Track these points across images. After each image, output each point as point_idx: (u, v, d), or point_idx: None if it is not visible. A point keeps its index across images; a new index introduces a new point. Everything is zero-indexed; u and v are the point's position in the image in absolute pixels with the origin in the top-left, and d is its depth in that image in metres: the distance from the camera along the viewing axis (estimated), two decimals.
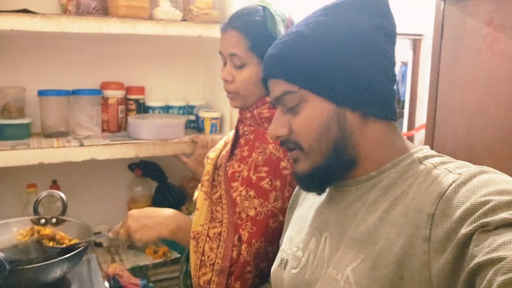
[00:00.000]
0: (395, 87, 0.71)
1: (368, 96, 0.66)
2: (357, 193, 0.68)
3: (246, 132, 1.09)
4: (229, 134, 1.21)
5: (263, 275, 0.99)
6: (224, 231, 0.97)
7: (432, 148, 0.69)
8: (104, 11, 1.44)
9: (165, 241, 1.68)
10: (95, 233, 1.68)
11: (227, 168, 1.07)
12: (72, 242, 1.08)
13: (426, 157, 0.65)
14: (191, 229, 0.99)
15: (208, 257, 0.95)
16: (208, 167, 1.10)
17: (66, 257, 0.99)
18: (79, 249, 1.02)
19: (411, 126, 4.64)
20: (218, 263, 0.94)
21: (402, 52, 4.53)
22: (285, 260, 0.76)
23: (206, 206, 1.02)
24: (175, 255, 1.62)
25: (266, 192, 0.97)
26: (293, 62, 0.66)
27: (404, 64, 4.85)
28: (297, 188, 0.90)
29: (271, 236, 0.96)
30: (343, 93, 0.65)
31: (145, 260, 1.59)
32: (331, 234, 0.69)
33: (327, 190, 0.74)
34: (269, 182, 0.97)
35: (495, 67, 1.87)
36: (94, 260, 1.27)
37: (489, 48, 1.93)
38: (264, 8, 1.03)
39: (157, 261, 1.59)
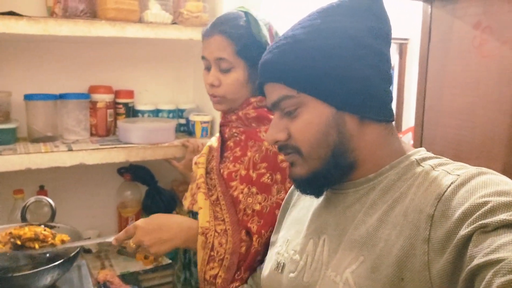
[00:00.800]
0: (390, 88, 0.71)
1: (365, 99, 0.66)
2: (356, 195, 0.68)
3: (236, 134, 1.10)
4: (211, 140, 1.23)
5: None
6: (228, 229, 0.99)
7: None
8: (92, 14, 1.42)
9: None
10: (84, 239, 1.65)
11: (221, 170, 1.07)
12: (58, 238, 1.04)
13: (424, 159, 0.66)
14: (199, 225, 1.00)
15: (218, 252, 0.97)
16: (201, 170, 1.11)
17: (56, 264, 0.98)
18: (70, 256, 1.00)
19: (398, 129, 4.68)
20: (227, 258, 0.96)
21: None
22: (282, 264, 0.76)
23: (208, 205, 1.04)
24: (166, 260, 1.60)
25: (268, 187, 1.00)
26: (290, 66, 0.66)
27: (391, 68, 4.93)
28: (290, 189, 0.90)
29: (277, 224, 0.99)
30: (341, 96, 0.65)
31: (135, 266, 1.57)
32: (330, 236, 0.69)
33: (325, 192, 0.74)
34: (269, 177, 1.00)
35: (483, 69, 1.90)
36: (85, 266, 1.24)
37: (477, 50, 1.95)
38: (246, 13, 1.06)
39: (148, 267, 1.57)
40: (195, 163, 1.16)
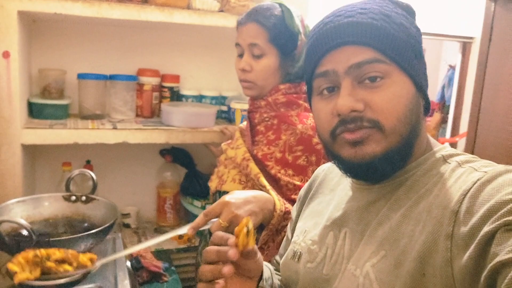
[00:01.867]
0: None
1: (427, 89, 0.68)
2: (381, 191, 0.67)
3: (267, 119, 1.13)
4: (238, 128, 1.25)
5: None
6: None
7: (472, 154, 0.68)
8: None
9: None
10: (124, 214, 1.74)
11: (255, 152, 1.11)
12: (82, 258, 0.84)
13: (451, 155, 0.65)
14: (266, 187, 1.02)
15: (287, 207, 0.99)
16: (243, 149, 1.13)
17: (90, 233, 1.03)
18: (103, 227, 1.06)
19: (455, 132, 4.46)
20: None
21: (450, 55, 4.38)
22: (298, 253, 0.76)
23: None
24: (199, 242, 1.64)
25: (305, 168, 1.04)
26: (385, 34, 0.63)
27: (452, 67, 4.68)
28: (311, 179, 0.88)
29: None
30: (422, 79, 0.67)
31: (170, 244, 1.63)
32: (352, 230, 0.69)
33: (349, 188, 0.74)
34: (305, 159, 1.05)
35: None
36: (120, 239, 1.31)
37: None
38: (280, 4, 1.11)
39: (181, 246, 1.63)
40: (225, 149, 1.19)
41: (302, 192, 0.89)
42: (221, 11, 1.52)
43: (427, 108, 0.68)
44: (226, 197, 0.89)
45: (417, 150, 0.67)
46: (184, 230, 0.83)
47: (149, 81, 1.66)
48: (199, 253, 1.23)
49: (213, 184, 1.19)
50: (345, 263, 0.67)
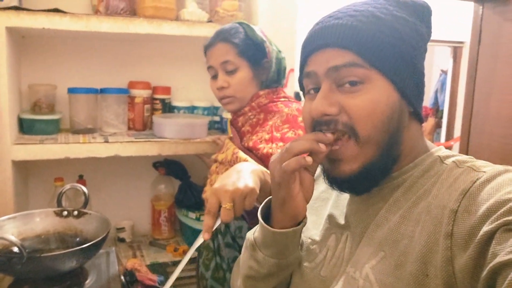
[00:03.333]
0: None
1: (420, 94, 0.66)
2: (380, 194, 0.67)
3: (252, 116, 1.20)
4: (227, 137, 1.34)
5: None
6: None
7: None
8: (132, 12, 1.49)
9: (187, 240, 1.71)
10: (118, 229, 1.73)
11: (244, 143, 1.17)
12: None
13: (448, 156, 0.64)
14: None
15: None
16: (232, 148, 1.18)
17: (81, 248, 1.02)
18: (95, 241, 1.04)
19: (449, 136, 4.48)
20: None
21: (442, 60, 4.41)
22: None
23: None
24: (195, 254, 1.62)
25: (294, 139, 1.05)
26: (368, 38, 0.62)
27: (444, 72, 4.72)
28: None
29: None
30: (408, 84, 0.64)
31: (165, 257, 1.61)
32: (352, 233, 0.68)
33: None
34: (293, 133, 1.10)
35: None
36: (113, 253, 1.29)
37: None
38: (240, 23, 1.23)
39: (177, 259, 1.61)
40: (215, 161, 1.22)
41: None
42: (210, 21, 1.52)
43: (418, 115, 0.67)
44: (213, 188, 0.84)
45: (407, 155, 0.66)
46: (200, 239, 0.77)
47: (140, 94, 1.66)
48: (201, 265, 1.23)
49: (208, 194, 1.18)
50: (344, 266, 0.66)
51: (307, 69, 0.67)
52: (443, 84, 4.94)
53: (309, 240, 0.75)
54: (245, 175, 0.82)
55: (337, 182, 0.66)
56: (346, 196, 0.73)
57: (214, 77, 1.23)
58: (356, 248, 0.66)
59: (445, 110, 4.42)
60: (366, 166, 0.63)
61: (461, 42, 4.07)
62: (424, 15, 0.67)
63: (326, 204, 0.77)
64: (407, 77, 0.63)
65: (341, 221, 0.71)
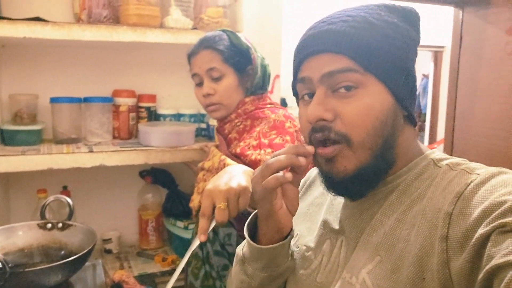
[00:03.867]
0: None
1: (412, 98, 0.66)
2: (374, 198, 0.67)
3: (238, 123, 1.20)
4: (214, 145, 1.34)
5: None
6: None
7: None
8: (115, 20, 1.47)
9: (175, 249, 1.68)
10: (105, 240, 1.69)
11: (231, 150, 1.15)
12: None
13: (441, 159, 0.64)
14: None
15: None
16: (218, 154, 1.17)
17: (67, 261, 0.99)
18: (80, 254, 1.02)
19: (432, 139, 4.54)
20: None
21: (423, 64, 4.48)
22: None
23: None
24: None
25: (282, 145, 1.09)
26: (362, 43, 0.62)
27: (425, 76, 4.79)
28: (302, 180, 0.86)
29: None
30: (403, 88, 0.64)
31: (153, 267, 1.59)
32: (347, 238, 0.68)
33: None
34: (280, 139, 1.10)
35: None
36: (100, 265, 1.26)
37: (510, 57, 1.87)
38: (224, 30, 1.23)
39: (166, 269, 1.58)
40: (201, 169, 1.19)
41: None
42: (195, 28, 1.51)
43: (412, 119, 0.67)
44: (206, 189, 0.81)
45: (402, 159, 0.66)
46: (196, 241, 0.75)
47: (125, 102, 1.64)
48: (189, 274, 1.21)
49: (195, 202, 1.17)
50: (339, 272, 0.66)
51: (301, 74, 0.67)
52: (424, 88, 5.01)
53: (304, 247, 0.74)
54: (237, 175, 0.81)
55: (333, 184, 0.66)
56: (340, 201, 0.73)
57: (199, 84, 1.22)
58: (351, 253, 0.66)
59: (428, 114, 4.48)
60: (360, 169, 0.63)
61: (442, 47, 4.15)
62: (413, 20, 0.68)
63: (320, 209, 0.77)
64: (400, 81, 0.63)
65: (336, 226, 0.71)
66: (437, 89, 4.37)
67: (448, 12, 2.30)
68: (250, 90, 1.23)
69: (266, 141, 1.10)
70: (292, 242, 0.76)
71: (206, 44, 1.20)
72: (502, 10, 1.91)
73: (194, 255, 1.24)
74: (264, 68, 1.24)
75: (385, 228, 0.62)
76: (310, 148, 0.64)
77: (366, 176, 0.63)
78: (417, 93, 4.76)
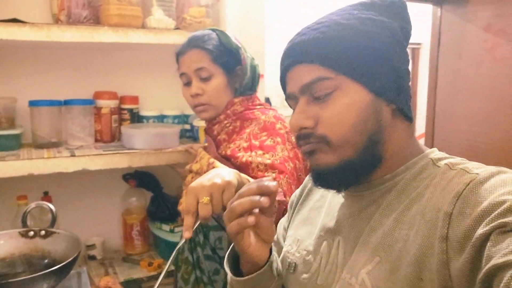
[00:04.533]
0: None
1: (400, 92, 0.65)
2: (371, 197, 0.67)
3: (228, 124, 1.18)
4: (201, 147, 1.32)
5: None
6: None
7: None
8: (95, 20, 1.43)
9: (161, 253, 1.65)
10: (88, 246, 1.65)
11: (221, 152, 1.14)
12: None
13: (440, 159, 0.64)
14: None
15: None
16: (207, 157, 1.14)
17: (52, 270, 0.96)
18: (66, 262, 0.99)
19: None
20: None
21: None
22: (293, 264, 0.75)
23: None
24: (171, 267, 1.57)
25: (273, 146, 1.07)
26: (330, 47, 0.63)
27: None
28: (302, 185, 0.87)
29: (291, 176, 1.05)
30: (381, 83, 0.64)
31: (139, 272, 1.56)
32: (345, 238, 0.68)
33: (340, 195, 0.72)
34: (271, 141, 1.09)
35: (497, 72, 1.85)
36: (85, 273, 1.23)
37: (489, 53, 1.91)
38: (213, 29, 1.21)
39: (152, 273, 1.56)
40: (190, 171, 1.17)
41: (293, 197, 0.87)
42: (178, 28, 1.49)
43: (405, 114, 0.66)
44: (190, 186, 0.80)
45: (396, 156, 0.66)
46: (182, 239, 0.75)
47: (107, 104, 1.60)
48: (179, 279, 1.19)
49: (184, 205, 1.14)
50: (339, 272, 0.66)
51: (287, 90, 0.70)
52: None
53: (305, 252, 0.74)
54: (221, 172, 0.81)
55: (315, 176, 0.68)
56: (338, 201, 0.73)
57: (187, 84, 1.20)
58: (350, 253, 0.65)
59: None
60: (342, 163, 0.64)
61: (419, 44, 4.21)
62: (397, 11, 0.67)
63: (319, 212, 0.77)
64: (380, 75, 0.63)
65: (333, 226, 0.71)
66: (415, 85, 4.44)
67: (425, 10, 2.33)
68: (239, 90, 1.21)
69: (257, 143, 1.09)
70: (293, 249, 0.77)
71: (194, 43, 1.17)
72: (480, 8, 1.94)
73: (184, 260, 1.21)
74: (253, 68, 1.22)
75: (384, 228, 0.62)
76: (273, 186, 0.65)
77: (349, 170, 0.64)
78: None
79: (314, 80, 0.64)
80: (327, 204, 0.76)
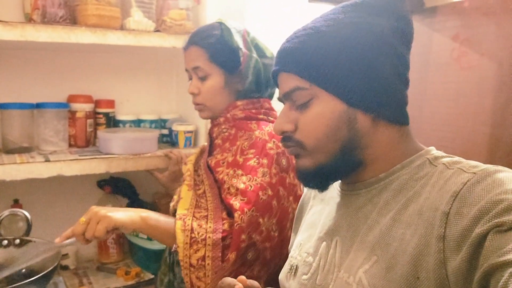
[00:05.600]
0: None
1: (381, 99, 0.64)
2: (367, 196, 0.67)
3: (224, 130, 1.13)
4: (204, 144, 1.26)
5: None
6: (210, 214, 0.98)
7: None
8: (72, 20, 1.38)
9: (138, 262, 1.60)
10: (62, 255, 1.58)
11: (209, 161, 1.10)
12: None
13: (437, 158, 0.65)
14: (177, 212, 1.00)
15: (198, 233, 0.94)
16: (189, 165, 1.14)
17: (31, 280, 0.91)
18: (46, 272, 0.94)
19: None
20: (209, 237, 0.93)
21: None
22: (294, 267, 0.75)
23: (191, 195, 1.05)
24: (149, 276, 1.54)
25: (254, 169, 1.00)
26: (306, 57, 0.65)
27: None
28: (302, 197, 0.89)
29: (262, 207, 0.96)
30: (357, 93, 0.63)
31: (116, 282, 1.50)
32: (342, 238, 0.68)
33: (337, 195, 0.73)
34: (256, 161, 1.01)
35: (462, 81, 1.92)
36: (62, 283, 1.18)
37: (456, 62, 1.98)
38: (220, 23, 1.13)
39: (129, 283, 1.51)
40: (184, 164, 1.18)
41: (298, 207, 0.88)
42: (157, 31, 1.46)
43: (393, 119, 0.66)
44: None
45: (384, 158, 0.66)
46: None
47: (82, 108, 1.55)
48: (157, 279, 1.18)
49: (172, 204, 1.12)
50: (336, 271, 0.65)
51: (278, 94, 0.73)
52: None
53: (305, 254, 0.74)
54: (120, 211, 0.95)
55: (300, 177, 0.72)
56: (336, 202, 0.73)
57: (191, 80, 1.15)
58: (348, 252, 0.65)
59: None
60: (319, 167, 0.67)
61: None
62: (391, 8, 0.66)
63: (321, 215, 0.77)
64: (355, 85, 0.63)
65: (331, 227, 0.71)
66: None
67: None
68: (242, 93, 1.12)
69: (241, 160, 1.03)
70: (296, 253, 0.77)
71: (193, 39, 1.12)
72: (448, 18, 2.02)
73: (164, 259, 1.22)
74: (257, 71, 1.10)
75: (381, 227, 0.62)
76: None
77: (325, 174, 0.68)
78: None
79: (292, 90, 0.67)
80: (327, 207, 0.76)
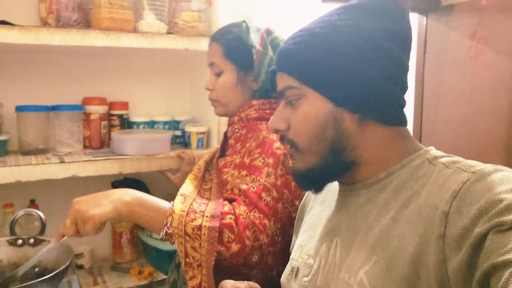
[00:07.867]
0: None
1: (367, 99, 0.65)
2: (367, 196, 0.67)
3: (236, 130, 1.13)
4: (218, 147, 1.24)
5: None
6: (211, 203, 0.95)
7: None
8: (86, 24, 1.40)
9: (151, 262, 1.62)
10: (77, 255, 1.61)
11: (218, 162, 1.09)
12: None
13: (436, 157, 0.65)
14: (179, 192, 0.98)
15: (198, 207, 0.92)
16: (201, 162, 1.14)
17: (44, 279, 0.93)
18: (59, 270, 0.96)
19: None
20: (208, 211, 0.90)
21: None
22: (296, 269, 0.75)
23: (196, 183, 1.05)
24: (161, 276, 1.55)
25: (259, 169, 0.98)
26: (297, 58, 0.67)
27: None
28: (304, 198, 0.89)
29: (267, 210, 0.93)
30: (342, 93, 0.65)
31: (129, 281, 1.52)
32: (342, 238, 0.68)
33: (338, 196, 0.73)
34: (261, 160, 0.99)
35: (479, 79, 1.90)
36: (76, 282, 1.20)
37: (473, 60, 1.95)
38: (244, 21, 1.14)
39: (142, 282, 1.52)
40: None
41: (300, 208, 0.89)
42: (170, 33, 1.48)
43: (384, 119, 0.66)
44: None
45: (377, 158, 0.67)
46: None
47: (96, 110, 1.57)
48: (169, 274, 1.18)
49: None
50: (337, 272, 0.65)
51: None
52: None
53: (306, 256, 0.74)
54: (103, 202, 0.91)
55: (295, 178, 0.73)
56: (336, 203, 0.73)
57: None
58: (348, 253, 0.65)
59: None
60: (309, 170, 0.69)
61: None
62: (384, 10, 0.66)
63: (321, 216, 0.77)
64: (342, 86, 0.64)
65: (331, 228, 0.71)
66: None
67: (411, 19, 2.37)
68: (258, 92, 1.12)
69: (247, 160, 1.02)
70: (297, 255, 0.77)
71: (215, 36, 1.15)
72: (464, 16, 1.99)
73: (174, 258, 1.21)
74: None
75: (381, 227, 0.62)
76: None
77: (316, 176, 0.69)
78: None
79: (284, 88, 0.70)
80: (327, 208, 0.76)
